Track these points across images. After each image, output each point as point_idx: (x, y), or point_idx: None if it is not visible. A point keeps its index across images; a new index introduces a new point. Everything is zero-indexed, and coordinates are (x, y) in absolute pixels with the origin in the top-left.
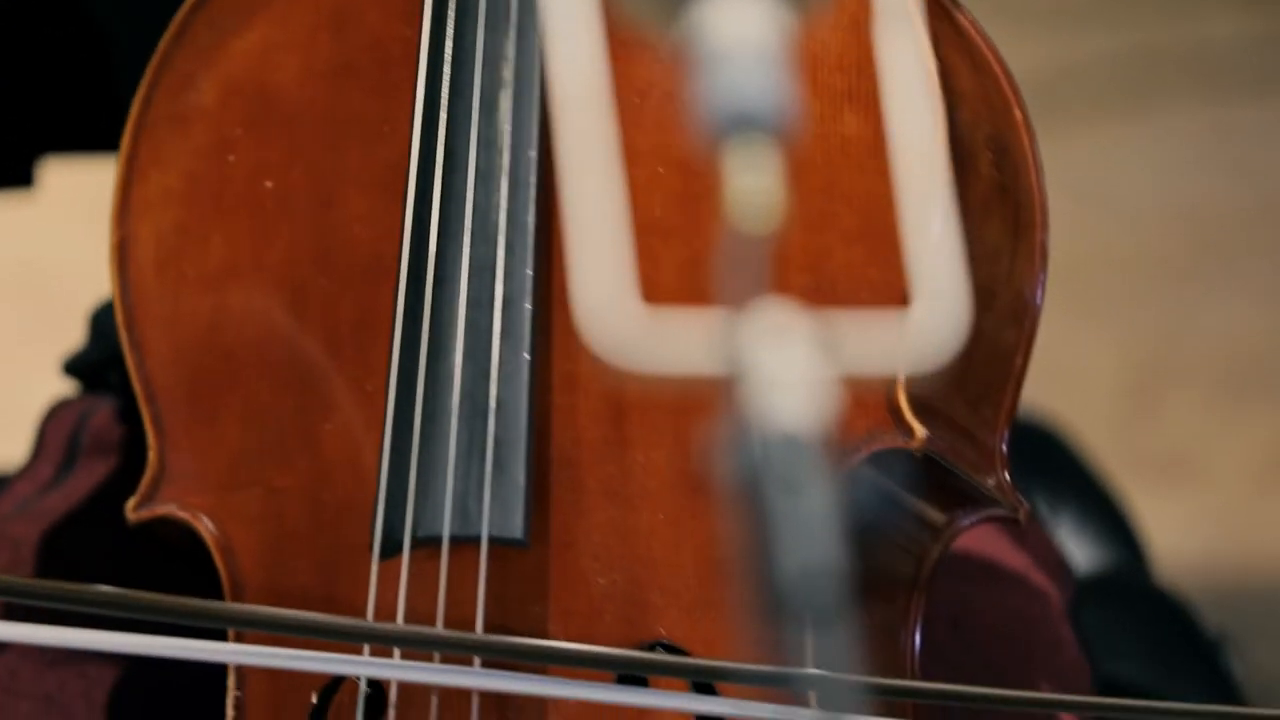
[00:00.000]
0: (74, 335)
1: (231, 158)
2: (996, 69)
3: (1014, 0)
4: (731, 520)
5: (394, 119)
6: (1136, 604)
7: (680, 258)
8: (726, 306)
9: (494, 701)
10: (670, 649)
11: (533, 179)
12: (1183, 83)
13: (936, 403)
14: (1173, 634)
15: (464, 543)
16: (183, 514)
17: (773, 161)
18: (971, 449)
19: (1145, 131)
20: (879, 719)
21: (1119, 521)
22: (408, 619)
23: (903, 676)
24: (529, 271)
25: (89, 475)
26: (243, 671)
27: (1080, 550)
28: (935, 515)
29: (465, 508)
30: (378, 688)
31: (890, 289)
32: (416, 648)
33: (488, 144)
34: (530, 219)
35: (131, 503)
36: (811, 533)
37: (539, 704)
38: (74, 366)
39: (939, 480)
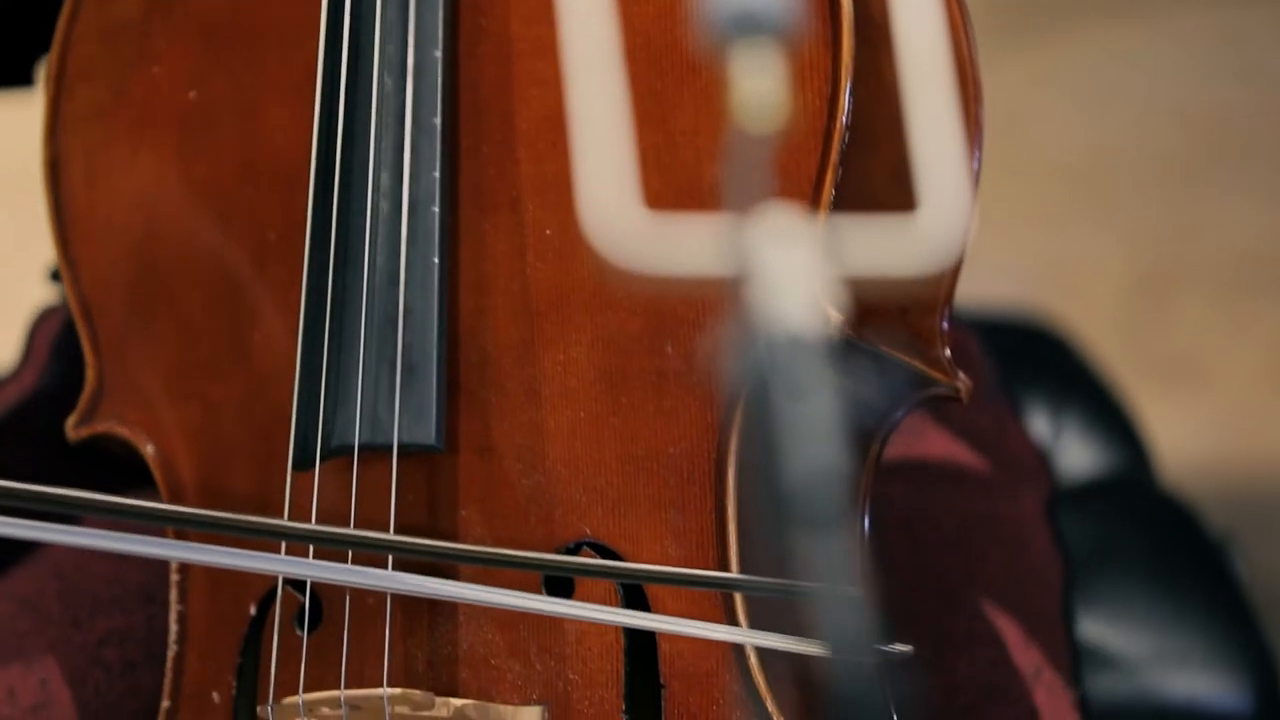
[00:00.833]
0: None
1: (156, 69)
2: None
3: None
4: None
5: (309, 25)
6: (1140, 507)
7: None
8: (729, 210)
9: (422, 609)
10: (596, 548)
11: (439, 80)
12: None
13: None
14: (1176, 536)
15: (379, 451)
16: (121, 430)
17: (776, 63)
18: (903, 330)
19: (1152, 34)
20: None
21: (1124, 424)
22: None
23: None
24: (435, 175)
25: (63, 384)
26: (184, 587)
27: (1084, 453)
28: (873, 398)
29: (376, 416)
30: (315, 601)
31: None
32: (328, 545)
33: (394, 46)
34: (437, 121)
35: (71, 420)
36: (816, 434)
37: (457, 609)
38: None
39: (871, 363)
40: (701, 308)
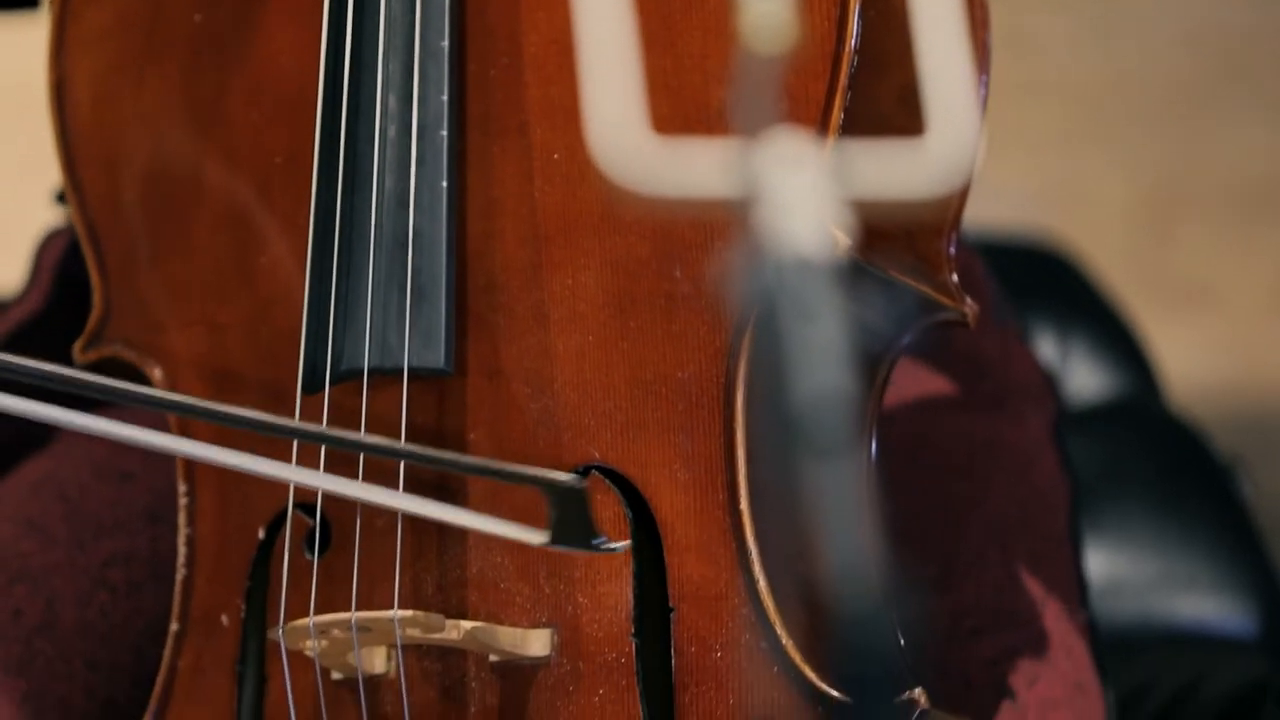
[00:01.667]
0: None
1: None
2: None
3: None
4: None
5: None
6: (1147, 430)
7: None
8: (737, 134)
9: (431, 532)
10: (604, 471)
11: (447, 2)
12: None
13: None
14: (1183, 460)
15: (389, 374)
16: (128, 354)
17: None
18: (910, 254)
19: None
20: None
21: (1131, 347)
22: (330, 454)
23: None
24: (444, 98)
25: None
26: (192, 510)
27: (1092, 377)
28: (880, 323)
29: (385, 339)
30: (324, 524)
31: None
32: (339, 447)
33: None
34: (445, 44)
35: (78, 344)
36: (823, 357)
37: (466, 531)
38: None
39: (878, 287)
40: (710, 232)
